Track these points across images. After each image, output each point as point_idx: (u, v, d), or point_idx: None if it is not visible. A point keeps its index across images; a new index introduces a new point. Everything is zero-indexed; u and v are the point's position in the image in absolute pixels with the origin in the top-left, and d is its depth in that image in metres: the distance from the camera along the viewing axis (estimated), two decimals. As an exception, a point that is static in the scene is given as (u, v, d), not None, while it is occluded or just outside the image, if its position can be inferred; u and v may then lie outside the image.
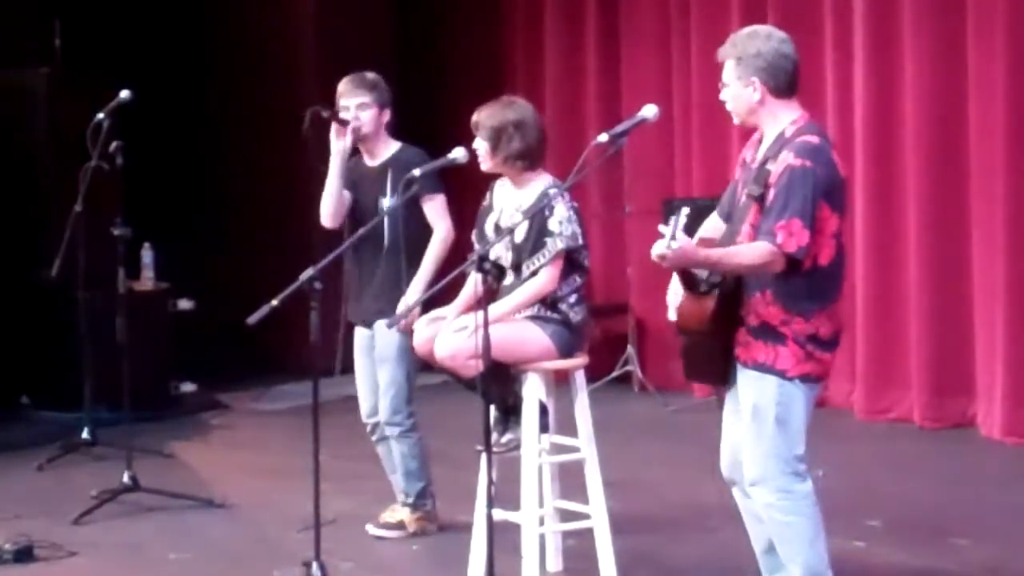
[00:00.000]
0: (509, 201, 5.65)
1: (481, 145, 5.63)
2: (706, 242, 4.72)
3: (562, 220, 5.43)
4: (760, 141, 4.82)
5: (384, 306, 6.03)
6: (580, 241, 5.49)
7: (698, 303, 4.66)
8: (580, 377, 5.54)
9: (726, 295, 4.63)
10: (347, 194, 6.20)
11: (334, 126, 6.09)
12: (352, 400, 6.59)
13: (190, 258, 9.82)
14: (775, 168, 4.57)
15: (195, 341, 9.24)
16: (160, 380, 9.10)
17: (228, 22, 10.67)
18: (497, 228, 5.60)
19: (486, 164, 5.66)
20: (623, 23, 9.75)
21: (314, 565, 5.22)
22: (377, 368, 6.18)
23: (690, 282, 4.68)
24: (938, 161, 8.11)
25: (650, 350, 9.63)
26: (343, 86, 6.23)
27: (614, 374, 9.31)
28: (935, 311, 8.16)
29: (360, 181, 6.22)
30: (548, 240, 5.43)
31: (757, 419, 4.64)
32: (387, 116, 6.23)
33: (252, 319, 5.01)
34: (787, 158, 4.55)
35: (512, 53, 10.36)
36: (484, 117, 5.64)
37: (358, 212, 6.19)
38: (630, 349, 9.37)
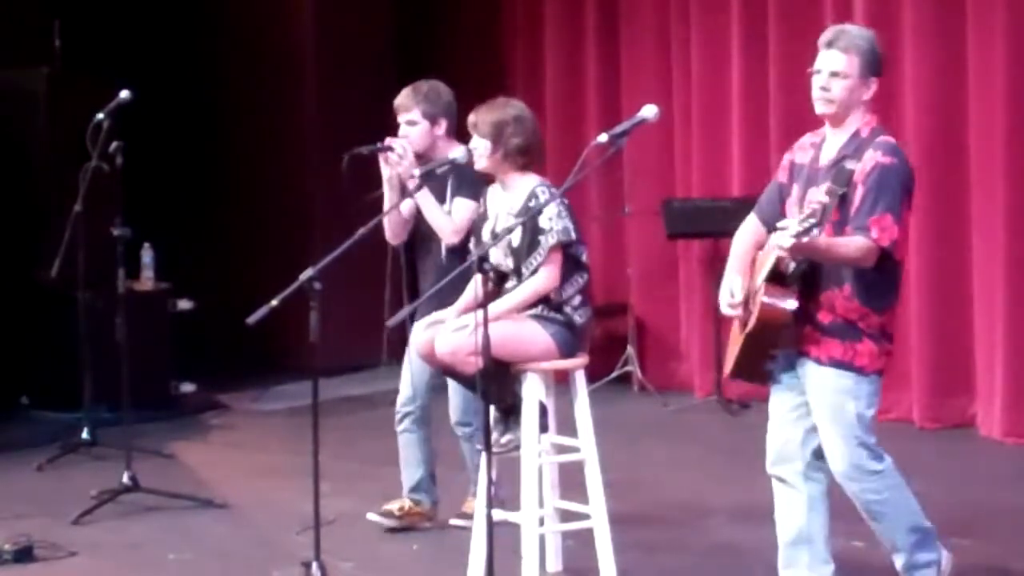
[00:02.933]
0: (502, 206, 5.66)
1: (480, 143, 5.63)
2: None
3: (551, 216, 5.44)
4: (821, 143, 4.86)
5: (444, 306, 5.98)
6: (573, 235, 5.48)
7: (784, 300, 4.68)
8: (580, 377, 5.54)
9: (803, 291, 4.68)
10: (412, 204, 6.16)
11: (383, 155, 6.06)
12: (352, 400, 6.60)
13: (190, 258, 9.83)
14: (860, 166, 4.65)
15: (195, 341, 9.25)
16: (160, 380, 9.09)
17: (228, 22, 10.68)
18: (494, 234, 5.60)
19: (483, 162, 5.66)
20: (623, 23, 9.75)
21: (314, 565, 5.22)
22: None
23: (780, 278, 4.68)
24: (938, 162, 8.10)
25: (650, 350, 9.63)
26: (396, 101, 6.22)
27: (614, 374, 9.31)
28: (935, 311, 8.16)
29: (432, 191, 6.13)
30: (541, 238, 5.44)
31: (837, 416, 4.75)
32: (442, 127, 6.15)
33: (252, 319, 5.02)
34: (875, 156, 4.66)
35: (512, 53, 10.36)
36: (483, 115, 5.65)
37: (423, 223, 6.16)
38: (630, 349, 9.37)
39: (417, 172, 5.70)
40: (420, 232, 6.18)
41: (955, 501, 6.67)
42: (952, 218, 8.12)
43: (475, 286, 5.32)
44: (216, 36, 10.68)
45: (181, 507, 6.78)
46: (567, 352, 5.50)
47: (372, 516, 6.36)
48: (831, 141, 4.84)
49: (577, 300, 5.54)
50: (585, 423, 5.51)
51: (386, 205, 6.09)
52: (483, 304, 4.80)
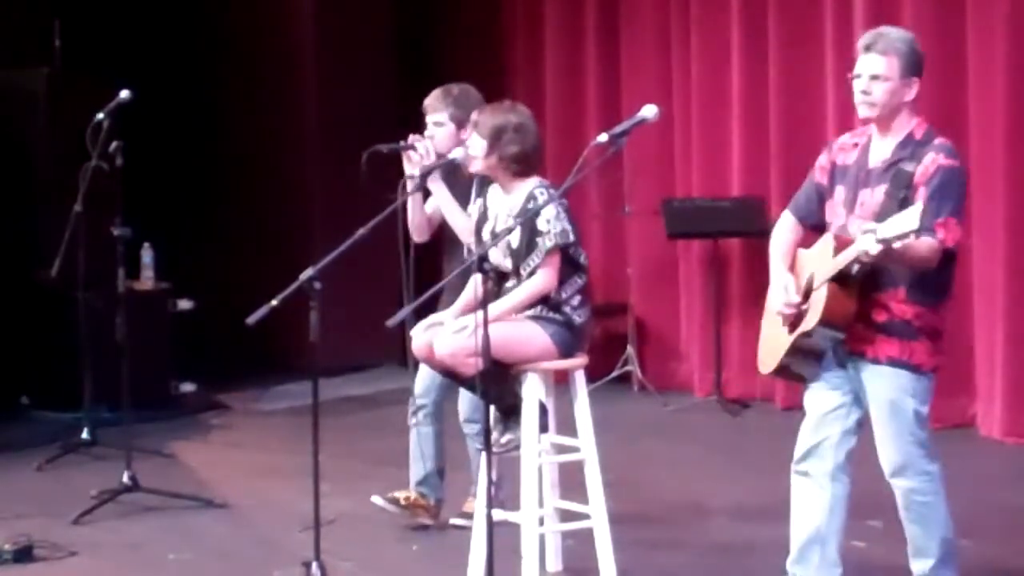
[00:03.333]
0: (501, 207, 5.65)
1: (477, 143, 5.62)
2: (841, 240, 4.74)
3: (550, 218, 5.43)
4: (867, 145, 4.86)
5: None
6: (571, 238, 5.48)
7: (849, 298, 4.68)
8: (580, 377, 5.54)
9: (862, 292, 4.70)
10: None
11: (405, 154, 6.06)
12: (352, 400, 6.61)
13: (190, 258, 9.83)
14: (920, 168, 4.66)
15: (195, 341, 9.25)
16: (160, 380, 9.10)
17: (228, 22, 10.68)
18: (493, 235, 5.59)
19: (478, 164, 5.65)
20: (623, 23, 9.76)
21: (314, 565, 5.22)
22: None
23: (844, 277, 4.67)
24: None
25: (650, 350, 9.64)
26: (426, 101, 6.26)
27: (614, 374, 9.32)
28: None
29: (454, 193, 6.12)
30: (539, 240, 5.43)
31: (895, 414, 4.77)
32: (468, 131, 6.10)
33: (252, 319, 5.01)
34: (937, 159, 4.67)
35: (512, 53, 10.36)
36: (486, 116, 5.65)
37: (450, 228, 6.17)
38: (630, 349, 9.37)
39: (417, 172, 5.69)
40: (448, 233, 6.17)
41: (955, 501, 6.64)
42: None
43: (475, 286, 5.32)
44: (216, 36, 10.68)
45: (181, 507, 6.78)
46: (566, 352, 5.50)
47: (377, 499, 6.33)
48: (881, 143, 4.83)
49: (576, 300, 5.54)
50: (585, 423, 5.51)
51: (409, 204, 6.09)
52: (483, 305, 4.79)
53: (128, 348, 7.06)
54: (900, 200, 4.63)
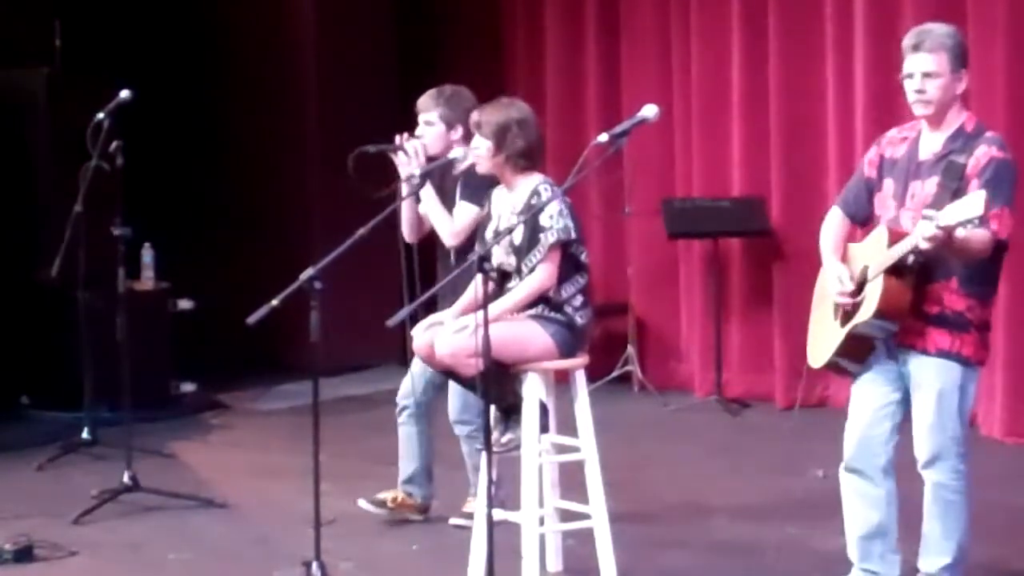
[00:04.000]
0: (504, 206, 5.66)
1: (482, 144, 5.62)
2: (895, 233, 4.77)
3: (553, 215, 5.44)
4: (916, 138, 4.89)
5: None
6: (573, 235, 5.48)
7: (905, 290, 4.70)
8: (580, 377, 5.54)
9: (917, 284, 4.71)
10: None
11: (394, 155, 6.10)
12: (352, 400, 6.61)
13: (190, 258, 9.82)
14: (972, 160, 4.70)
15: (195, 341, 9.24)
16: (160, 380, 9.09)
17: (228, 22, 10.67)
18: (496, 234, 5.60)
19: (485, 165, 5.66)
20: (623, 23, 9.75)
21: (314, 565, 5.22)
22: None
23: (900, 268, 4.68)
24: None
25: (650, 350, 9.63)
26: (419, 101, 6.30)
27: (614, 374, 9.31)
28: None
29: (445, 195, 6.18)
30: (541, 235, 5.44)
31: (940, 404, 4.79)
32: (458, 132, 6.20)
33: (252, 319, 5.02)
34: (989, 151, 4.72)
35: (512, 53, 10.36)
36: (487, 116, 5.65)
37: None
38: (630, 349, 9.37)
39: (418, 172, 5.70)
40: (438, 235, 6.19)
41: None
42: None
43: (475, 286, 5.32)
44: (216, 36, 10.67)
45: (181, 507, 6.78)
46: (567, 352, 5.50)
47: (363, 503, 6.38)
48: (931, 136, 4.87)
49: (578, 301, 5.54)
50: (585, 423, 5.51)
51: (402, 205, 6.12)
52: (483, 305, 4.79)
53: (128, 348, 7.05)
54: (953, 191, 4.67)
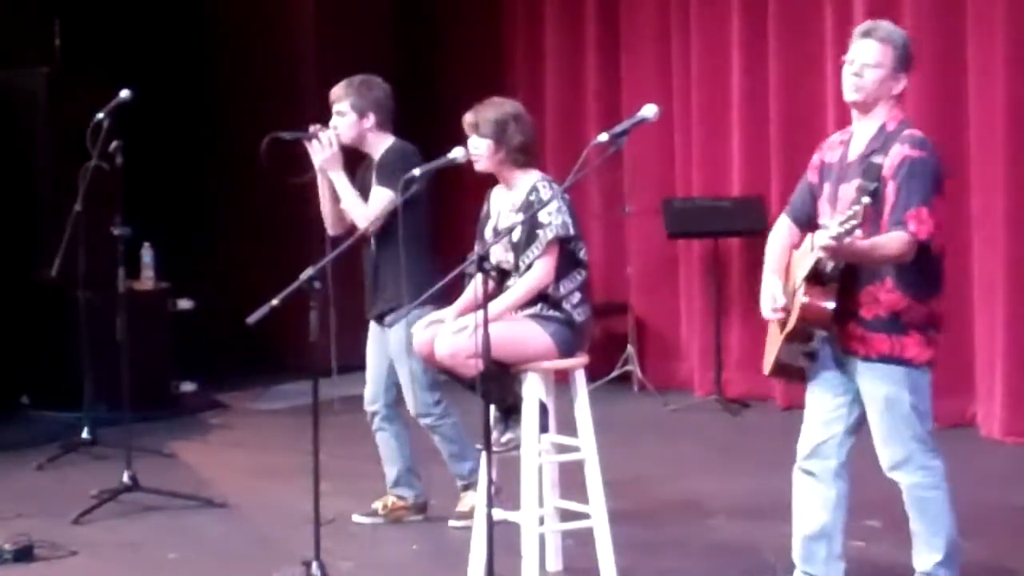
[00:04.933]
0: (504, 204, 5.66)
1: (481, 143, 5.62)
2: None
3: (551, 211, 5.44)
4: (849, 140, 4.88)
5: (390, 303, 6.10)
6: (571, 231, 5.49)
7: (826, 296, 4.68)
8: (580, 377, 5.54)
9: (843, 289, 4.69)
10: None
11: (309, 143, 6.18)
12: (352, 400, 6.61)
13: (190, 258, 9.82)
14: (889, 160, 4.68)
15: (195, 341, 9.24)
16: (160, 380, 9.09)
17: (228, 22, 10.68)
18: (496, 232, 5.60)
19: (484, 163, 5.65)
20: (623, 23, 9.76)
21: (314, 565, 5.22)
22: (395, 365, 6.29)
23: (819, 275, 4.68)
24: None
25: (650, 350, 9.64)
26: (331, 92, 6.37)
27: (614, 374, 9.32)
28: (935, 311, 8.15)
29: (363, 185, 6.28)
30: (539, 232, 5.44)
31: (891, 409, 4.76)
32: (370, 120, 6.27)
33: (252, 319, 5.01)
34: (903, 150, 4.68)
35: (512, 53, 10.37)
36: (483, 114, 5.64)
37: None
38: (630, 349, 9.37)
39: (417, 172, 5.69)
40: (410, 230, 6.18)
41: (955, 501, 6.66)
42: (952, 218, 8.10)
43: (475, 286, 5.31)
44: (216, 36, 10.68)
45: (181, 507, 6.78)
46: (566, 351, 5.49)
47: (358, 518, 6.39)
48: (858, 135, 4.86)
49: (576, 297, 5.53)
50: (585, 423, 5.51)
51: (321, 196, 6.30)
52: (483, 304, 4.79)
53: (128, 348, 7.06)
54: (872, 192, 4.63)
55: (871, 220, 4.60)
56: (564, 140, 9.33)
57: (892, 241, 4.60)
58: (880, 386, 4.76)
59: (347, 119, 6.26)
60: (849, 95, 4.82)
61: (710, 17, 9.19)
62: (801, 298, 4.68)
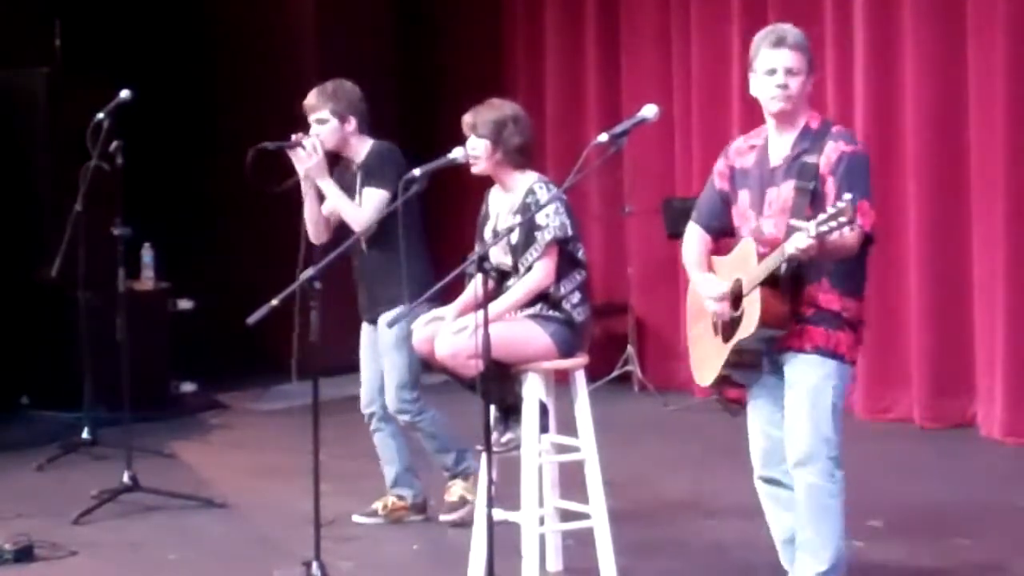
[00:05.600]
0: (503, 206, 5.66)
1: (479, 144, 5.62)
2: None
3: (549, 213, 5.45)
4: (764, 145, 4.88)
5: (381, 303, 6.11)
6: (570, 232, 5.49)
7: (782, 297, 4.68)
8: (580, 377, 5.54)
9: (791, 292, 4.69)
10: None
11: (293, 152, 6.14)
12: (352, 400, 6.61)
13: (190, 258, 9.82)
14: (824, 158, 4.68)
15: (195, 341, 9.24)
16: (160, 380, 9.09)
17: (228, 22, 10.67)
18: (495, 233, 5.60)
19: (482, 165, 5.65)
20: (623, 23, 9.75)
21: (314, 565, 5.23)
22: (382, 362, 6.26)
23: (774, 279, 4.67)
24: (938, 161, 8.11)
25: (650, 350, 9.63)
26: (305, 102, 6.32)
27: (614, 374, 9.31)
28: (935, 311, 8.16)
29: (342, 188, 6.27)
30: (537, 234, 5.45)
31: (813, 401, 4.74)
32: (352, 124, 6.25)
33: (252, 319, 5.02)
34: (839, 146, 4.70)
35: (512, 53, 10.36)
36: (481, 115, 5.65)
37: (346, 228, 6.23)
38: (630, 349, 9.37)
39: (417, 172, 5.69)
40: (349, 228, 6.21)
41: (955, 501, 6.67)
42: (952, 217, 8.11)
43: (475, 286, 5.32)
44: (216, 36, 10.67)
45: (181, 507, 6.78)
46: (566, 351, 5.50)
47: (358, 518, 6.39)
48: (779, 140, 4.85)
49: (576, 297, 5.54)
50: (585, 423, 5.51)
51: (305, 204, 6.25)
52: (483, 304, 4.79)
53: (128, 348, 7.06)
54: (811, 192, 4.64)
55: (811, 219, 4.55)
56: (564, 140, 9.32)
57: (849, 235, 4.59)
58: (809, 375, 4.75)
59: (329, 125, 6.24)
60: (777, 106, 4.83)
61: (710, 17, 9.19)
62: (758, 301, 4.66)
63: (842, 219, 4.38)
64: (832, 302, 4.72)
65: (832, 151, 4.69)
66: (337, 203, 6.20)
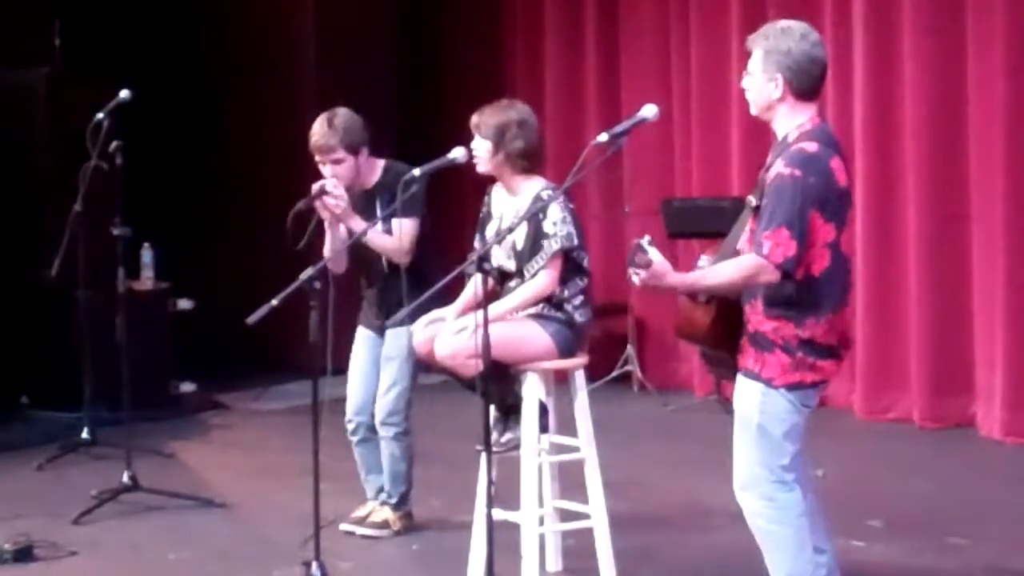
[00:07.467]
0: (507, 208, 5.66)
1: (481, 145, 5.63)
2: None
3: (556, 221, 5.45)
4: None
5: (390, 314, 6.06)
6: (576, 241, 5.49)
7: (696, 311, 4.61)
8: (580, 377, 5.54)
9: (726, 304, 4.57)
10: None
11: (319, 201, 6.04)
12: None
13: (190, 258, 9.83)
14: (769, 177, 4.50)
15: (195, 341, 9.24)
16: (160, 380, 9.09)
17: (228, 22, 10.68)
18: (498, 234, 5.59)
19: (484, 166, 5.65)
20: (623, 23, 9.76)
21: (314, 565, 5.23)
22: (382, 367, 6.20)
23: (693, 294, 4.63)
24: (938, 161, 8.12)
25: (650, 350, 9.64)
26: (315, 143, 6.15)
27: (614, 374, 9.32)
28: (935, 311, 8.16)
29: (359, 215, 6.16)
30: (544, 243, 5.44)
31: (742, 425, 4.58)
32: (364, 153, 6.16)
33: (252, 319, 5.02)
34: (778, 166, 4.47)
35: (512, 54, 10.37)
36: (486, 116, 5.65)
37: (359, 243, 6.16)
38: (630, 349, 9.37)
39: (417, 172, 5.68)
40: (360, 250, 6.13)
41: (955, 501, 6.67)
42: (952, 218, 8.12)
43: (475, 286, 5.32)
44: (216, 36, 10.68)
45: (181, 507, 6.78)
46: (566, 351, 5.50)
47: (346, 527, 6.30)
48: (773, 145, 4.72)
49: (578, 300, 5.54)
50: (585, 423, 5.51)
51: (327, 244, 6.06)
52: (483, 305, 4.79)
53: (128, 348, 7.06)
54: (754, 209, 4.46)
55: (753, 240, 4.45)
56: (564, 140, 9.31)
57: (734, 266, 4.43)
58: (738, 400, 4.59)
59: (346, 164, 6.12)
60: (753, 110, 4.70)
61: (710, 17, 9.19)
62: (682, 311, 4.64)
63: (635, 259, 4.27)
64: (761, 324, 4.49)
65: (774, 171, 4.48)
66: (375, 242, 6.03)
